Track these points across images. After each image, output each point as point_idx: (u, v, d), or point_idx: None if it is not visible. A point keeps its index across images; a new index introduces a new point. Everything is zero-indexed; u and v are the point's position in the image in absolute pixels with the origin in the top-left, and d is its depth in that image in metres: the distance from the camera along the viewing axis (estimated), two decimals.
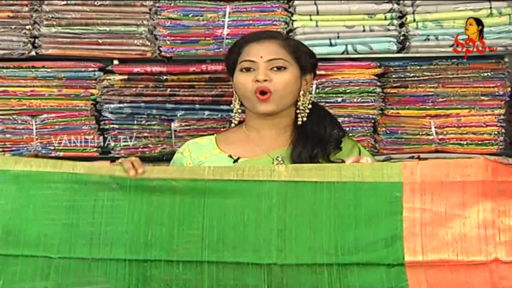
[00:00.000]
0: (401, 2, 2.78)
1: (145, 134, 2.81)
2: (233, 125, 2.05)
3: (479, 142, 2.84)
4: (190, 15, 2.74)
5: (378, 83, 2.80)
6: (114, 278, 1.55)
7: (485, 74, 2.82)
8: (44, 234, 1.58)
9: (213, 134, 2.10)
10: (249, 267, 1.56)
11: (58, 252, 1.57)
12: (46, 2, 2.72)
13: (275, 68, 1.90)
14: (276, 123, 1.97)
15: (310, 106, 1.98)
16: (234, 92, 2.01)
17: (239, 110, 2.00)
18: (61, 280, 1.55)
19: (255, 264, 1.56)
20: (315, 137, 1.93)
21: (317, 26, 2.76)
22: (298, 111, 1.97)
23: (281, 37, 1.99)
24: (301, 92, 1.97)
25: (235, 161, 1.91)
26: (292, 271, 1.55)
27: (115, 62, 2.78)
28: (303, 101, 1.97)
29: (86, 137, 2.76)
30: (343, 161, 1.87)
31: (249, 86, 1.89)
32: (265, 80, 1.87)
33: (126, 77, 2.76)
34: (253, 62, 1.90)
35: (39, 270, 1.56)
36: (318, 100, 2.75)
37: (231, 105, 2.03)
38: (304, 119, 1.96)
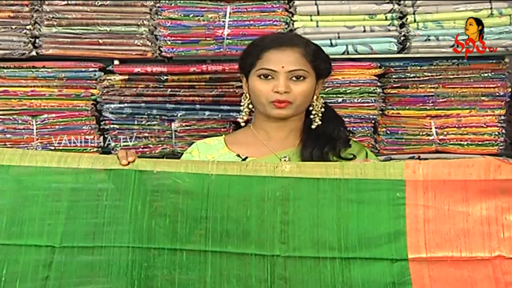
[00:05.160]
0: (402, 2, 2.79)
1: (146, 134, 2.82)
2: (242, 123, 2.03)
3: (480, 143, 2.84)
4: (190, 15, 2.75)
5: (379, 84, 2.80)
6: (117, 265, 1.55)
7: (486, 74, 2.83)
8: (48, 224, 1.59)
9: (220, 135, 2.11)
10: (252, 257, 1.57)
11: (61, 241, 1.57)
12: (46, 2, 2.73)
13: (294, 78, 1.87)
14: (286, 125, 1.96)
15: (323, 110, 1.98)
16: (246, 93, 1.98)
17: (246, 110, 1.98)
18: (64, 269, 1.55)
19: (258, 255, 1.57)
20: (325, 136, 1.94)
21: (317, 26, 2.77)
22: (312, 116, 1.96)
23: (302, 44, 1.93)
24: (315, 97, 1.96)
25: (243, 160, 1.91)
26: (295, 263, 1.56)
27: (116, 62, 2.79)
28: (316, 105, 1.96)
29: (87, 137, 2.77)
30: (354, 156, 1.91)
31: (268, 96, 1.87)
32: (285, 92, 1.86)
33: (126, 77, 2.77)
34: (274, 72, 1.87)
35: (42, 259, 1.55)
36: None
37: (241, 102, 2.00)
38: (319, 122, 1.96)
